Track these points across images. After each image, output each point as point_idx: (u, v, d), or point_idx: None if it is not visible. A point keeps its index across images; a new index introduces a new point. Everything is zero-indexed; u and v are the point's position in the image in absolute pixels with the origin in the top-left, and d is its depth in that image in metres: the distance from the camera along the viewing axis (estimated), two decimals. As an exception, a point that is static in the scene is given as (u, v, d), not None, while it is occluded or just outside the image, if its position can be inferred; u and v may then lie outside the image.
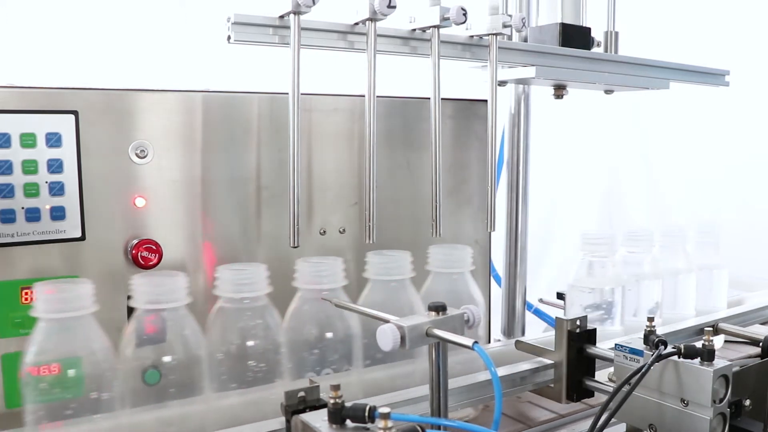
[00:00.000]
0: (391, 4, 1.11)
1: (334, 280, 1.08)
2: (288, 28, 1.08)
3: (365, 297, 1.16)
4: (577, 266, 1.41)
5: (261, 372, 1.03)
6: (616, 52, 1.64)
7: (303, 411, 0.85)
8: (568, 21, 1.55)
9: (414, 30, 1.22)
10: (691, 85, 1.70)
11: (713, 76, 1.73)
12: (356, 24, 1.16)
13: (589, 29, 1.60)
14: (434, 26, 1.19)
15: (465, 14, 1.18)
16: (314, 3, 1.04)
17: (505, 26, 1.26)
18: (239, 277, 1.03)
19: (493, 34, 1.27)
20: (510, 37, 1.43)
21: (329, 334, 1.07)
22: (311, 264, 1.09)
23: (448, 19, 1.18)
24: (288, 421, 0.86)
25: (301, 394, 0.87)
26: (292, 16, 1.07)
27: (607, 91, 1.63)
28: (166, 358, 0.95)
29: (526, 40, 1.59)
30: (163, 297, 0.96)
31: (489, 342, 1.58)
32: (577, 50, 1.50)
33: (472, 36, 1.30)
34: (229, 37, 1.06)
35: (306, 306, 1.08)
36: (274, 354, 1.04)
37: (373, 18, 1.12)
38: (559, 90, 1.55)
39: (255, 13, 1.07)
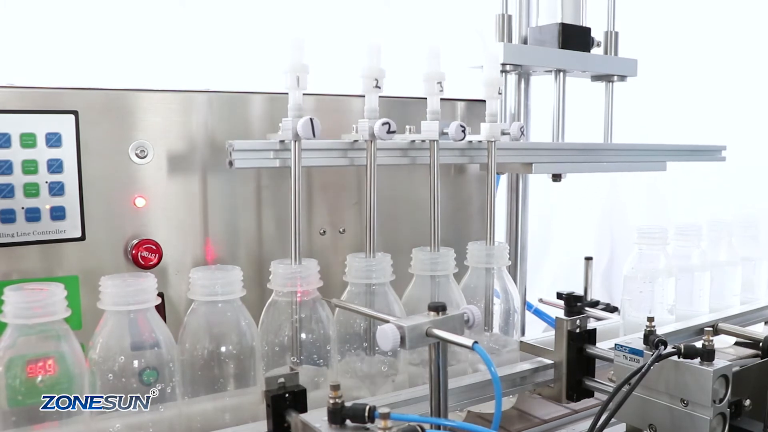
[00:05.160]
0: (391, 130, 1.13)
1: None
2: (289, 150, 1.10)
3: (409, 292, 1.19)
4: (632, 258, 1.45)
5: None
6: (616, 52, 1.64)
7: (284, 396, 0.88)
8: (568, 21, 1.55)
9: (413, 141, 1.25)
10: (688, 162, 1.75)
11: (709, 153, 1.76)
12: (356, 141, 1.19)
13: (589, 29, 1.60)
14: (433, 140, 1.21)
15: (464, 131, 1.20)
16: (314, 136, 1.07)
17: (503, 134, 1.28)
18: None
19: (491, 141, 1.28)
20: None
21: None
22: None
23: (446, 134, 1.20)
24: (269, 406, 0.88)
25: (281, 380, 0.89)
26: (292, 141, 1.09)
27: None
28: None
29: (526, 41, 1.60)
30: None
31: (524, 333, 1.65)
32: (574, 143, 1.53)
33: (470, 141, 1.31)
34: (230, 163, 1.08)
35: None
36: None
37: (372, 139, 1.15)
38: (557, 176, 1.57)
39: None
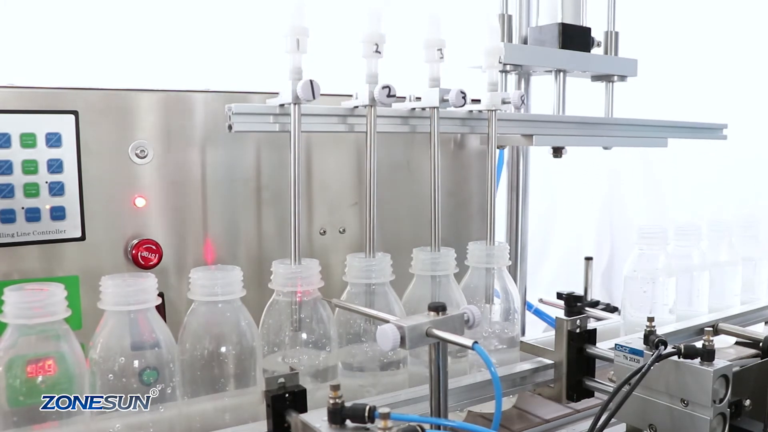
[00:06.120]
0: (391, 94, 1.13)
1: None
2: (288, 115, 1.10)
3: (409, 292, 1.19)
4: (632, 258, 1.45)
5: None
6: (616, 52, 1.64)
7: (284, 396, 0.88)
8: (568, 21, 1.55)
9: (413, 109, 1.25)
10: (690, 139, 1.73)
11: (710, 131, 1.75)
12: (356, 107, 1.18)
13: (589, 29, 1.60)
14: (433, 107, 1.21)
15: (464, 97, 1.20)
16: (314, 98, 1.06)
17: (504, 102, 1.27)
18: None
19: (492, 110, 1.27)
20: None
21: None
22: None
23: (447, 101, 1.20)
24: (269, 406, 0.89)
25: (281, 380, 0.89)
26: (292, 105, 1.08)
27: (605, 147, 1.64)
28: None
29: (526, 41, 1.60)
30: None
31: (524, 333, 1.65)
32: (575, 116, 1.52)
33: (470, 110, 1.31)
34: (230, 127, 1.08)
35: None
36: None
37: (372, 105, 1.14)
38: (558, 151, 1.56)
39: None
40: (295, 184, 1.11)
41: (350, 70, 1.17)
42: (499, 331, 1.27)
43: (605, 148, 1.64)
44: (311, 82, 1.06)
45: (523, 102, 1.27)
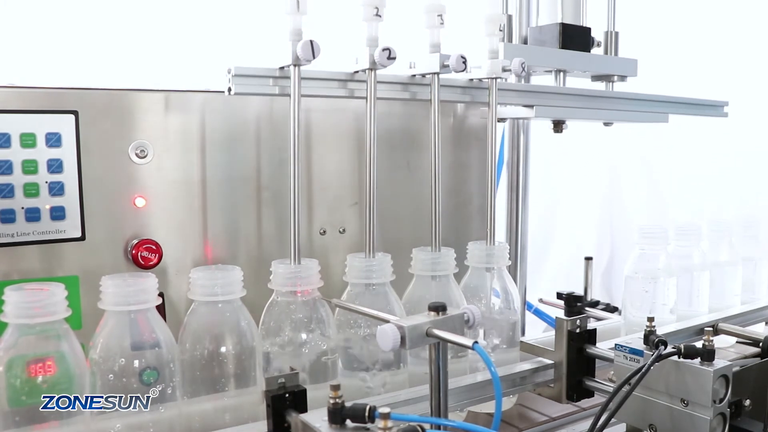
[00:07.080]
0: (391, 56, 1.12)
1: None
2: (288, 78, 1.09)
3: (409, 292, 1.19)
4: (633, 258, 1.46)
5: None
6: (616, 52, 1.64)
7: (284, 396, 0.89)
8: (568, 21, 1.55)
9: (414, 75, 1.24)
10: (690, 116, 1.73)
11: (711, 108, 1.75)
12: (356, 72, 1.17)
13: (589, 29, 1.60)
14: (434, 73, 1.20)
15: (465, 62, 1.19)
16: (314, 57, 1.06)
17: (504, 70, 1.27)
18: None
19: (493, 78, 1.27)
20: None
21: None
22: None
23: (447, 66, 1.19)
24: (269, 406, 0.89)
25: (281, 380, 0.89)
26: (292, 67, 1.08)
27: (606, 123, 1.63)
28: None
29: (526, 41, 1.60)
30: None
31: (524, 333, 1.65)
32: (576, 88, 1.52)
33: (471, 79, 1.30)
34: (229, 89, 1.07)
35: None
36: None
37: (372, 68, 1.14)
38: (559, 126, 1.56)
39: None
40: (294, 158, 1.10)
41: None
42: (498, 331, 1.27)
43: (606, 124, 1.63)
44: (311, 42, 1.05)
45: (523, 69, 1.27)
